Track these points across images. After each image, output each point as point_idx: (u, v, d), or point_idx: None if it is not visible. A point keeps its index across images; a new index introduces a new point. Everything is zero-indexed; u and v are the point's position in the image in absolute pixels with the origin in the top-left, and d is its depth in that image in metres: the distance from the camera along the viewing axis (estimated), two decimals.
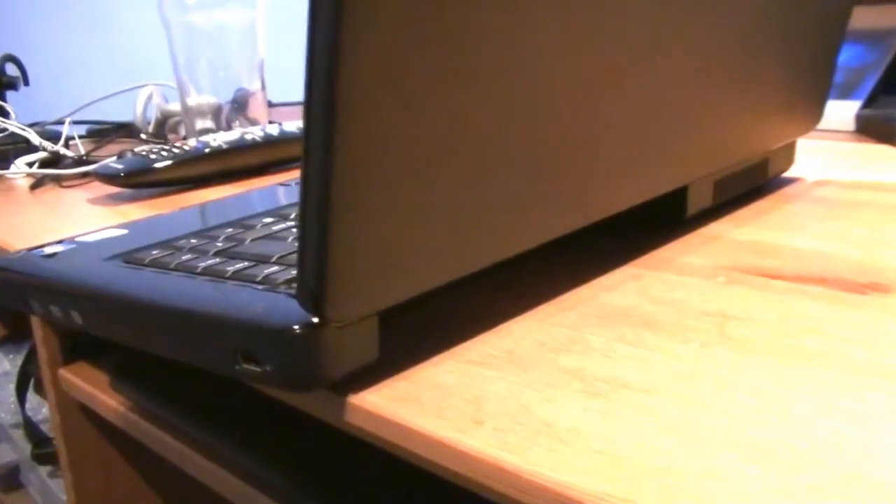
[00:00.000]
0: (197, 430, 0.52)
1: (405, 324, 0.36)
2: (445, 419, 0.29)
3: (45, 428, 0.93)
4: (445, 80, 0.29)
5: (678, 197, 0.45)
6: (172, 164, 0.65)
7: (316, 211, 0.27)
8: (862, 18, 0.74)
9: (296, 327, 0.29)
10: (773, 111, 0.49)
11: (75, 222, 0.61)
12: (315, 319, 0.29)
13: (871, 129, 0.68)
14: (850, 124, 0.70)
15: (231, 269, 0.36)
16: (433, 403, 0.30)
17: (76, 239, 0.46)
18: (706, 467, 0.24)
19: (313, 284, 0.28)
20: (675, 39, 0.39)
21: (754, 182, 0.52)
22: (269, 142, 0.70)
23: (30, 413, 0.93)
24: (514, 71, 0.31)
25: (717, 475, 0.24)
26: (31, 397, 0.96)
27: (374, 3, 0.25)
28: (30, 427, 0.92)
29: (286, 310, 0.31)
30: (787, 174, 0.56)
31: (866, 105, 0.72)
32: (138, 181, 0.65)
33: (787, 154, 0.54)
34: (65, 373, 0.62)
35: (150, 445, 0.54)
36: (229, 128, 0.83)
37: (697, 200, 0.47)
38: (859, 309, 0.35)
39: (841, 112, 0.70)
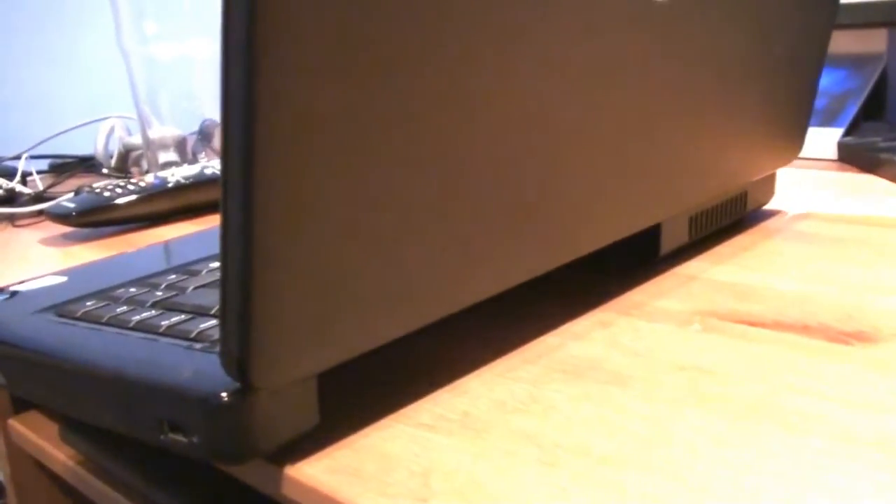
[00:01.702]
0: (150, 488, 0.49)
1: (348, 380, 0.33)
2: (387, 496, 0.26)
3: None
4: (382, 127, 0.26)
5: (651, 234, 0.43)
6: (129, 202, 0.62)
7: (236, 265, 0.24)
8: (843, 43, 0.72)
9: (223, 395, 0.26)
10: (753, 142, 0.47)
11: (23, 265, 0.58)
12: (240, 385, 0.26)
13: (853, 157, 0.66)
14: (831, 152, 0.68)
15: (165, 323, 0.34)
16: (376, 477, 0.27)
17: (12, 287, 0.43)
18: None
19: (237, 348, 0.25)
20: (649, 73, 0.36)
21: (733, 216, 0.49)
22: None
23: None
24: (461, 106, 0.29)
25: None
26: None
27: (291, 47, 0.23)
28: None
29: (217, 375, 0.28)
30: (767, 206, 0.54)
31: (848, 132, 0.69)
32: (92, 220, 0.62)
33: (768, 186, 0.52)
34: (14, 423, 0.59)
35: (98, 502, 0.51)
36: (195, 160, 0.80)
37: (672, 238, 0.44)
38: (843, 361, 0.32)
39: (822, 139, 0.68)
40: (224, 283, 0.25)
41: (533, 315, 0.38)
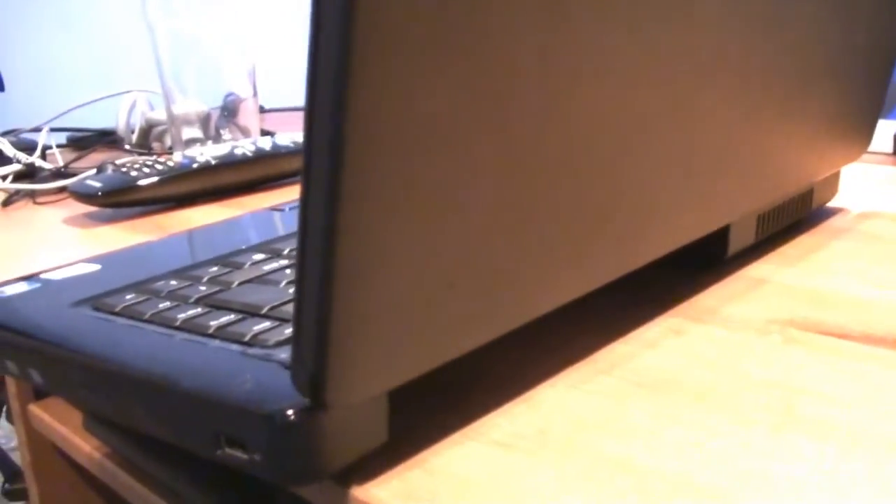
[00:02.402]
0: (173, 479, 0.47)
1: (415, 392, 0.31)
2: None
3: (16, 457, 0.88)
4: (473, 130, 0.24)
5: (719, 235, 0.40)
6: (155, 182, 0.60)
7: (316, 277, 0.22)
8: None
9: (289, 413, 0.24)
10: (822, 139, 0.44)
11: (46, 247, 0.56)
12: (311, 403, 0.24)
13: None
14: (888, 145, 0.65)
15: (215, 323, 0.31)
16: (453, 502, 0.25)
17: (42, 276, 0.41)
18: None
19: (312, 366, 0.23)
20: (724, 71, 0.34)
21: (798, 215, 0.47)
22: (260, 156, 0.65)
23: (2, 441, 0.87)
24: (549, 118, 0.26)
25: None
26: (4, 423, 0.90)
27: (389, 42, 0.20)
28: (1, 459, 0.86)
29: (278, 387, 0.25)
30: (829, 204, 0.51)
31: None
32: (118, 200, 0.59)
33: (832, 183, 0.50)
34: (35, 409, 0.57)
35: (123, 495, 0.49)
36: (218, 136, 0.78)
37: (740, 238, 0.42)
38: None
39: (879, 132, 0.65)
40: (300, 294, 0.22)
41: (598, 320, 0.36)
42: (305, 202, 0.21)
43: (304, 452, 0.25)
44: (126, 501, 0.58)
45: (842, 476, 0.25)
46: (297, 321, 0.23)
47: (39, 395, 0.57)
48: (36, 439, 0.59)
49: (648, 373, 0.32)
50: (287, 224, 0.48)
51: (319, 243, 0.21)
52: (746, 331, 0.35)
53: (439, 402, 0.30)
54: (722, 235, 0.41)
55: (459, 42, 0.22)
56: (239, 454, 0.26)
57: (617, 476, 0.25)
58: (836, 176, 0.50)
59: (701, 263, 0.41)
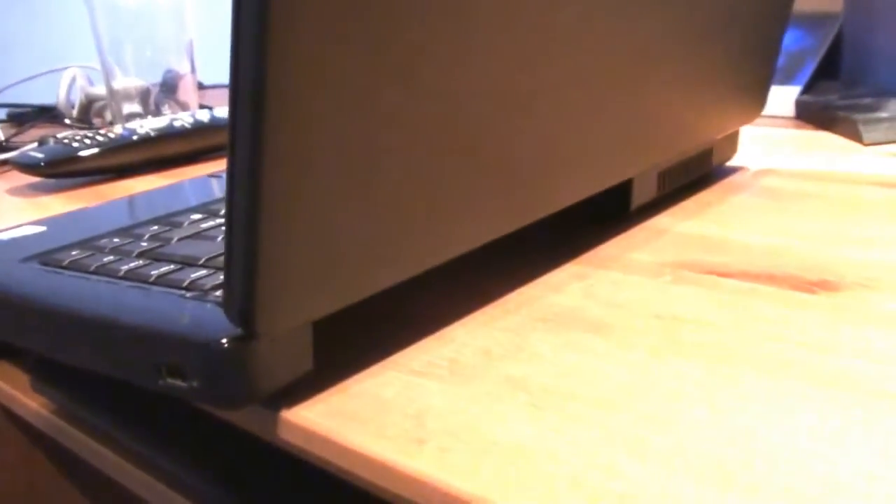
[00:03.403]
0: (122, 433, 0.49)
1: (339, 329, 0.34)
2: (386, 438, 0.27)
3: None
4: (381, 78, 0.27)
5: (622, 189, 0.44)
6: (97, 153, 0.62)
7: (243, 215, 0.25)
8: (799, 2, 0.73)
9: (224, 341, 0.27)
10: (720, 99, 0.48)
11: None
12: (244, 332, 0.27)
13: (810, 115, 0.68)
14: (789, 110, 0.70)
15: (155, 272, 0.34)
16: (373, 420, 0.28)
17: None
18: (664, 491, 0.23)
19: (241, 296, 0.26)
20: (625, 29, 0.37)
21: (699, 172, 0.51)
22: (199, 128, 0.67)
23: None
24: (453, 66, 0.30)
25: (676, 500, 0.23)
26: None
27: (306, 7, 0.23)
28: None
29: (214, 321, 0.28)
30: (730, 163, 0.55)
31: (805, 91, 0.71)
32: (60, 171, 0.61)
33: (731, 143, 0.54)
34: None
35: (73, 450, 0.52)
36: (158, 112, 0.80)
37: (642, 193, 0.45)
38: (810, 309, 0.34)
39: (780, 97, 0.69)
40: (230, 231, 0.25)
41: (511, 269, 0.40)
42: (232, 144, 0.24)
43: (237, 378, 0.28)
44: (72, 457, 0.60)
45: (708, 386, 0.28)
46: (228, 255, 0.26)
47: None
48: None
49: (551, 310, 0.35)
50: (224, 189, 0.50)
51: (245, 182, 0.24)
52: (642, 274, 0.38)
53: (361, 338, 0.34)
54: (626, 191, 0.44)
55: (367, 5, 0.25)
56: (179, 383, 0.29)
57: (517, 393, 0.29)
58: (735, 136, 0.54)
59: (607, 217, 0.45)
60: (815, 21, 0.75)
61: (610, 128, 0.40)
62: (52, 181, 0.63)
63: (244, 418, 0.31)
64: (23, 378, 0.57)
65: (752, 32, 0.48)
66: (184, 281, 0.33)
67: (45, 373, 0.55)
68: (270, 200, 0.25)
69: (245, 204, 0.25)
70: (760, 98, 0.53)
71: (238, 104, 0.24)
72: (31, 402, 0.55)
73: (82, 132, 0.65)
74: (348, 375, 0.31)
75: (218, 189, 0.51)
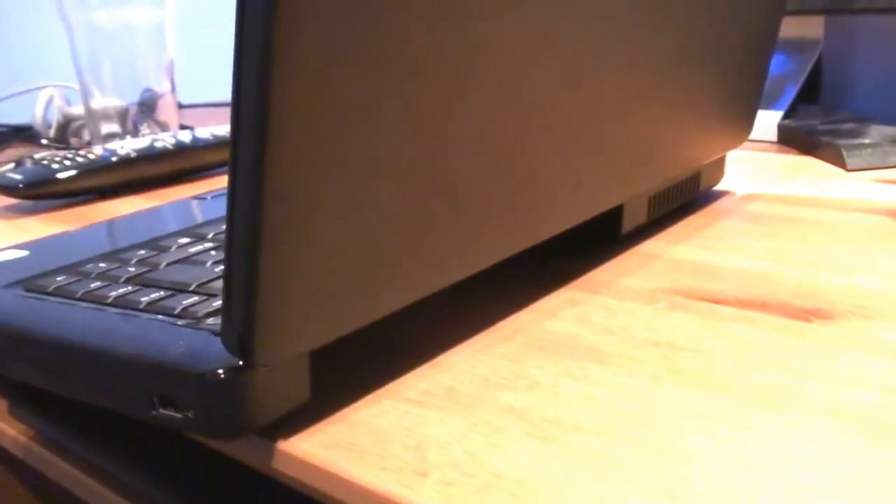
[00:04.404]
0: (103, 460, 0.48)
1: (334, 356, 0.34)
2: (387, 470, 0.26)
3: None
4: (384, 104, 0.27)
5: (613, 215, 0.44)
6: (77, 174, 0.61)
7: (244, 242, 0.24)
8: (782, 28, 0.74)
9: (220, 371, 0.27)
10: (708, 125, 0.48)
11: None
12: (241, 363, 0.27)
13: (793, 139, 0.68)
14: (772, 134, 0.70)
15: (145, 299, 0.34)
16: (372, 451, 0.27)
17: None
18: None
19: (240, 327, 0.26)
20: (609, 59, 0.37)
21: (687, 196, 0.51)
22: (181, 149, 0.67)
23: None
24: (452, 95, 0.29)
25: None
26: None
27: (307, 23, 0.23)
28: None
29: (209, 350, 0.28)
30: (716, 187, 0.55)
31: (787, 115, 0.72)
32: (39, 192, 0.60)
33: (718, 167, 0.54)
34: None
35: (53, 477, 0.51)
36: (137, 131, 0.79)
37: (632, 218, 0.45)
38: (805, 338, 0.34)
39: (763, 122, 0.70)
40: (229, 259, 0.25)
41: (504, 295, 0.39)
42: (234, 171, 0.24)
43: (233, 409, 0.27)
44: (49, 484, 0.59)
45: (708, 416, 0.28)
46: (227, 285, 0.25)
47: None
48: None
49: (547, 337, 0.35)
50: (210, 211, 0.50)
51: (247, 213, 0.24)
52: (636, 300, 0.38)
53: (355, 365, 0.33)
54: (616, 216, 0.44)
55: (367, 30, 0.25)
56: (172, 414, 0.28)
57: (518, 423, 0.28)
58: (722, 161, 0.54)
59: (598, 242, 0.45)
60: (796, 46, 0.75)
61: (602, 154, 0.39)
62: (30, 203, 0.62)
63: (239, 449, 0.30)
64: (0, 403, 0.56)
65: (740, 59, 0.49)
66: (175, 308, 0.32)
67: (24, 398, 0.54)
68: (271, 227, 0.24)
69: (246, 232, 0.24)
70: (747, 123, 0.53)
71: (241, 129, 0.23)
72: (8, 429, 0.54)
73: (61, 153, 0.64)
74: (344, 404, 0.30)
75: (202, 212, 0.50)
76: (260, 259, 0.24)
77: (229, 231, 0.25)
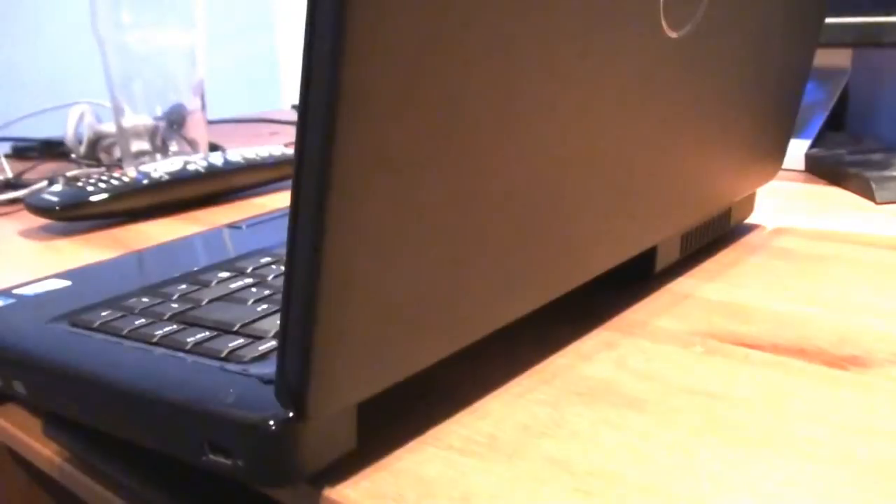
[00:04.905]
0: (137, 483, 0.49)
1: (374, 400, 0.34)
2: None
3: None
4: (435, 161, 0.27)
5: (647, 253, 0.44)
6: (111, 197, 0.62)
7: (302, 302, 0.25)
8: None
9: (271, 423, 0.27)
10: (741, 162, 0.48)
11: (6, 259, 0.57)
12: (292, 414, 0.27)
13: (820, 169, 0.68)
14: (799, 163, 0.70)
15: (191, 340, 0.34)
16: (419, 503, 0.28)
17: (14, 291, 0.43)
18: None
19: (295, 381, 0.26)
20: (651, 106, 0.38)
21: (718, 232, 0.51)
22: (212, 172, 0.67)
23: None
24: (497, 149, 0.30)
25: None
26: None
27: (371, 92, 0.23)
28: None
29: (259, 399, 0.29)
30: (746, 220, 0.56)
31: (815, 144, 0.72)
32: (74, 214, 0.61)
33: (749, 202, 0.54)
34: None
35: (86, 499, 0.51)
36: (165, 148, 0.80)
37: (665, 256, 0.46)
38: (843, 387, 0.34)
39: (791, 151, 0.70)
40: (286, 318, 0.25)
41: (539, 336, 0.40)
42: (293, 236, 0.24)
43: (283, 458, 0.28)
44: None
45: (751, 471, 0.29)
46: (283, 341, 0.26)
47: None
48: None
49: (585, 382, 0.35)
50: (246, 242, 0.50)
51: (306, 270, 0.24)
52: (671, 343, 0.39)
53: (397, 411, 0.34)
54: (650, 254, 0.45)
55: (426, 95, 0.26)
56: (223, 460, 0.29)
57: (561, 475, 0.29)
58: (753, 195, 0.54)
59: (631, 279, 0.45)
60: (823, 75, 0.75)
61: (638, 197, 0.40)
62: (63, 223, 0.63)
63: (286, 495, 0.31)
64: (33, 422, 0.56)
65: (774, 95, 0.49)
66: (221, 351, 0.33)
67: (59, 418, 0.54)
68: (329, 284, 0.25)
69: (304, 290, 0.25)
70: (779, 157, 0.53)
71: (302, 187, 0.24)
72: (43, 449, 0.54)
73: (94, 172, 0.65)
74: (387, 451, 0.31)
75: (239, 243, 0.51)
76: (317, 315, 0.25)
77: (287, 287, 0.25)
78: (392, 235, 0.27)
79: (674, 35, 0.37)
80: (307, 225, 0.24)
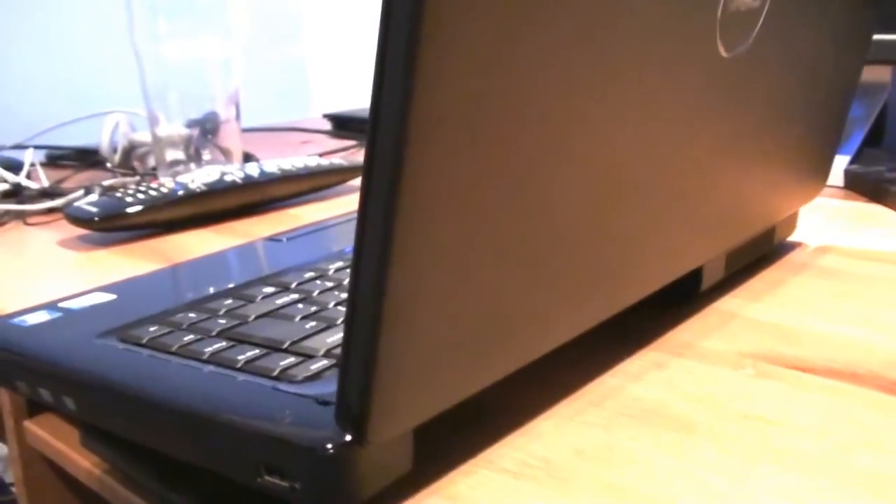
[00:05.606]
0: (175, 495, 0.49)
1: (429, 422, 0.34)
2: None
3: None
4: (494, 186, 0.27)
5: (692, 272, 0.44)
6: (149, 209, 0.62)
7: (365, 329, 0.25)
8: None
9: (330, 447, 0.27)
10: (786, 181, 0.48)
11: (46, 270, 0.58)
12: (350, 438, 0.27)
13: (860, 185, 0.68)
14: (838, 179, 0.70)
15: (242, 358, 0.34)
16: None
17: (60, 304, 0.43)
18: None
19: (356, 406, 0.26)
20: (708, 123, 0.37)
21: (762, 251, 0.51)
22: (249, 183, 0.68)
23: None
24: (563, 176, 0.30)
25: None
26: None
27: (441, 119, 0.23)
28: None
29: (316, 421, 0.28)
30: (789, 238, 0.55)
31: (854, 160, 0.71)
32: (112, 225, 0.61)
33: (792, 220, 0.54)
34: (30, 425, 0.59)
35: None
36: (199, 156, 0.80)
37: (711, 275, 0.45)
38: None
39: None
40: (348, 346, 0.25)
41: (586, 355, 0.39)
42: (359, 255, 0.24)
43: (340, 481, 0.28)
44: None
45: (813, 502, 0.28)
46: (345, 363, 0.26)
47: (33, 411, 0.59)
48: (29, 455, 0.61)
49: (636, 404, 0.35)
50: (288, 256, 0.50)
51: (370, 297, 0.24)
52: (721, 364, 0.38)
53: (448, 433, 0.33)
54: (696, 273, 0.44)
55: (491, 120, 0.25)
56: (279, 482, 0.29)
57: (619, 503, 0.29)
58: (796, 213, 0.54)
59: (677, 298, 0.45)
60: (862, 91, 0.75)
61: (686, 218, 0.40)
62: (100, 234, 0.63)
63: None
64: (70, 432, 0.57)
65: (821, 113, 0.49)
66: (273, 370, 0.33)
67: (96, 428, 0.55)
68: (393, 309, 0.25)
69: (369, 316, 0.25)
70: (823, 175, 0.53)
71: (369, 214, 0.24)
72: (81, 460, 0.54)
73: (130, 182, 0.65)
74: (441, 474, 0.31)
75: (281, 257, 0.51)
76: (380, 341, 0.25)
77: (350, 311, 0.25)
78: (455, 258, 0.27)
79: (727, 55, 0.37)
80: (374, 254, 0.24)
